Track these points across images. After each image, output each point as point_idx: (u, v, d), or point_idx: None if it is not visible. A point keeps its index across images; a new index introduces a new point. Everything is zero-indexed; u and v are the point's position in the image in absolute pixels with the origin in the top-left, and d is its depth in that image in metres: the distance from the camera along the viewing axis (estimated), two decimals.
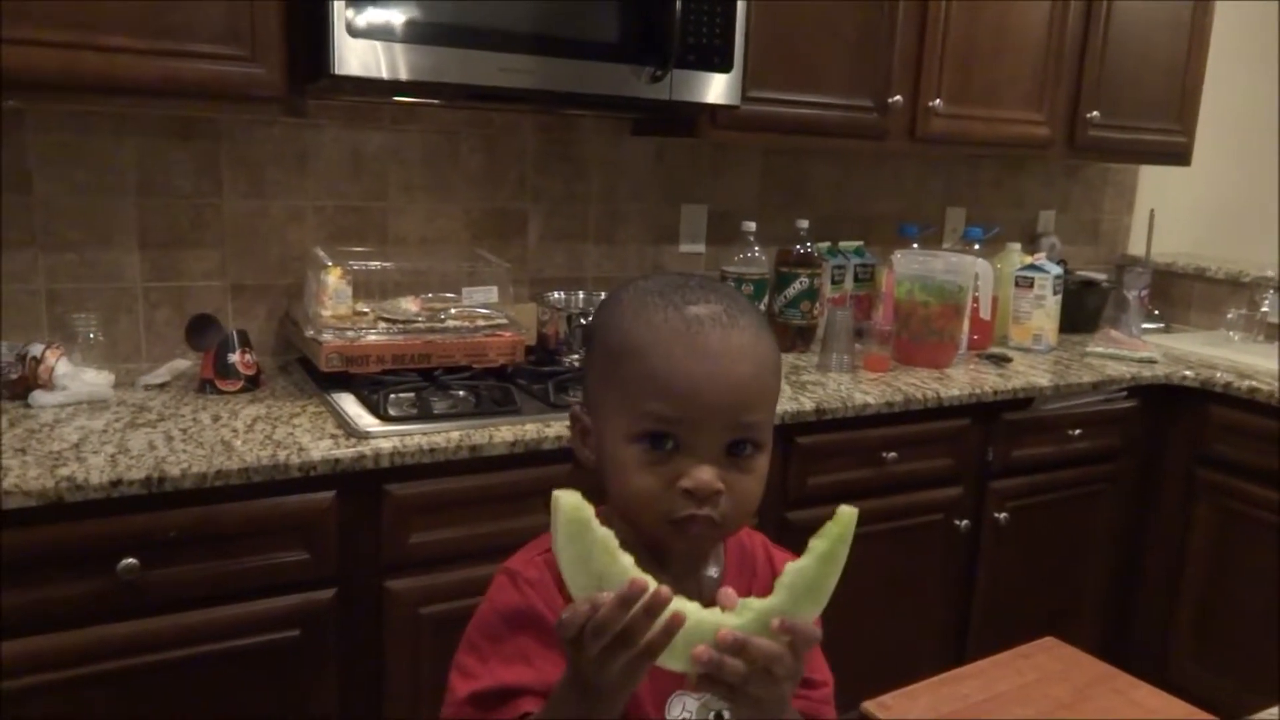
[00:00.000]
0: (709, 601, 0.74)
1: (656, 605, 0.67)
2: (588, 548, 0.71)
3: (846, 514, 0.74)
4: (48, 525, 1.34)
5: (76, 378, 1.68)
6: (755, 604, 0.73)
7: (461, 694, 0.83)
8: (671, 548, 0.84)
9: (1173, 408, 2.50)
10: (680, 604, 0.71)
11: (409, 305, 1.95)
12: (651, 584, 0.69)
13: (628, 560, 0.71)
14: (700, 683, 0.72)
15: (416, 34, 1.64)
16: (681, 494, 0.80)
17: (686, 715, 0.87)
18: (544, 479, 1.66)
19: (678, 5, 1.81)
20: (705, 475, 0.79)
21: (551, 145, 2.27)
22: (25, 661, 1.35)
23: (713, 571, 0.90)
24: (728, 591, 0.75)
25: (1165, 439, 2.54)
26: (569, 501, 0.71)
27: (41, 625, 1.36)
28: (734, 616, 0.72)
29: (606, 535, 0.71)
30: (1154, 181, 3.27)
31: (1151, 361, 2.52)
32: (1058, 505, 2.40)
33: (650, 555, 0.84)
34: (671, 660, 0.70)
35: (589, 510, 0.72)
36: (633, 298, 0.86)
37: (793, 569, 0.74)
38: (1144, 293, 2.91)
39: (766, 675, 0.71)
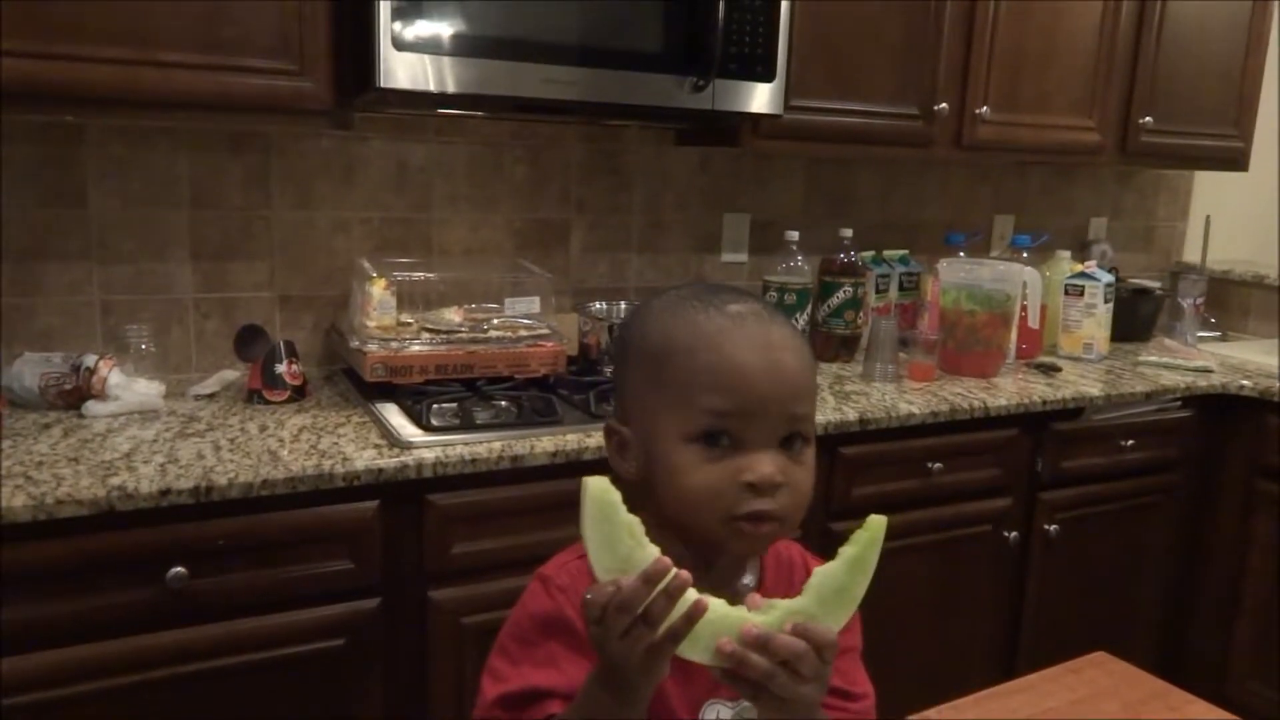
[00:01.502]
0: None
1: (676, 588, 0.68)
2: (615, 530, 0.72)
3: (876, 522, 0.75)
4: (99, 534, 1.36)
5: (129, 388, 1.71)
6: (781, 604, 0.74)
7: (491, 696, 0.84)
8: (729, 549, 0.84)
9: (1230, 418, 2.44)
10: (705, 598, 0.71)
11: (452, 316, 1.97)
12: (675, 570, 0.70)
13: (654, 548, 0.72)
14: (723, 678, 0.72)
15: (461, 47, 1.65)
16: (744, 488, 0.80)
17: None
18: None
19: (720, 15, 1.81)
20: (768, 467, 0.80)
21: (595, 156, 2.28)
22: (75, 669, 1.37)
23: (748, 580, 0.90)
24: (754, 596, 0.75)
25: (1223, 450, 2.47)
26: (597, 485, 0.72)
27: (92, 633, 1.38)
28: (759, 614, 0.73)
29: (633, 520, 0.72)
30: (1209, 187, 3.19)
31: (1207, 371, 2.46)
32: (1110, 517, 2.35)
33: (693, 562, 0.84)
34: (695, 651, 0.71)
35: (617, 494, 0.72)
36: (666, 304, 0.88)
37: (820, 572, 0.75)
38: (1199, 300, 2.84)
39: (791, 674, 0.71)
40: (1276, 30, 2.81)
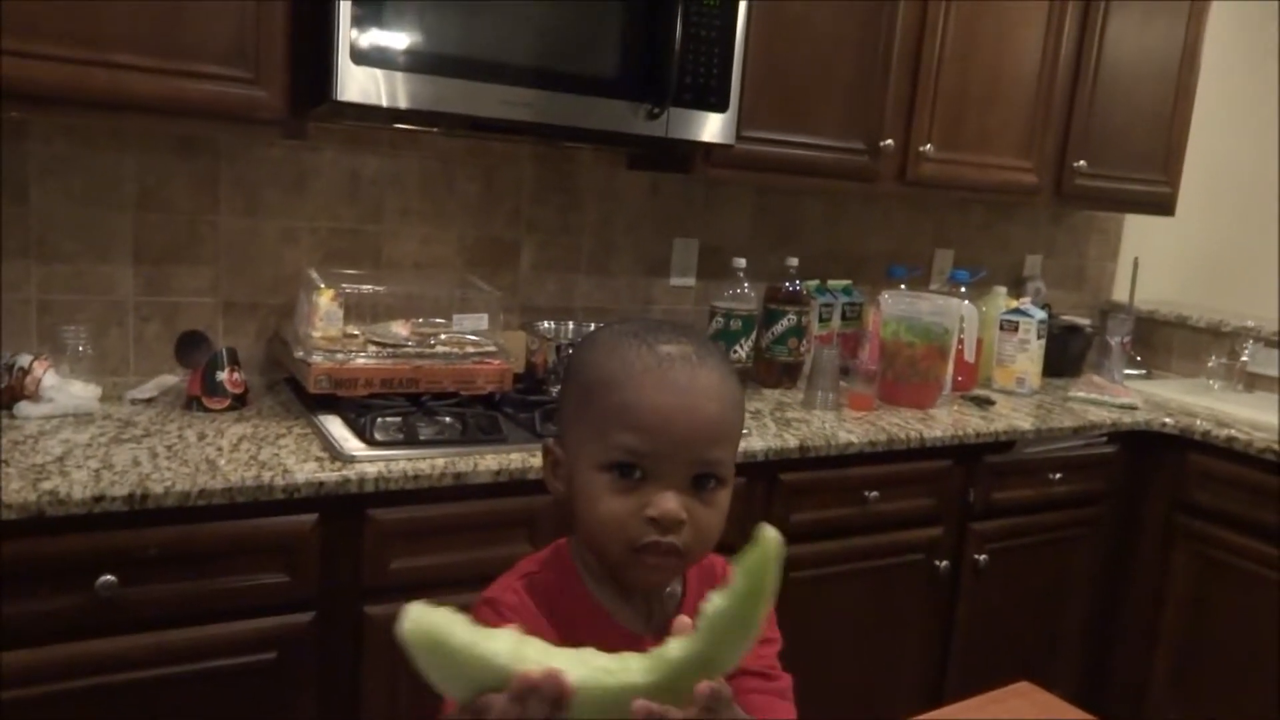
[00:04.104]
0: (670, 620, 0.73)
1: (542, 692, 0.66)
2: (450, 659, 0.67)
3: (767, 539, 0.68)
4: (27, 538, 1.33)
5: (63, 390, 1.68)
6: (673, 655, 0.69)
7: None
8: (632, 579, 0.87)
9: (1153, 454, 2.52)
10: (588, 663, 0.68)
11: (399, 329, 1.96)
12: (532, 665, 0.66)
13: (499, 645, 0.67)
14: None
15: (419, 64, 1.66)
16: (647, 521, 0.83)
17: None
18: (528, 508, 1.67)
19: (677, 44, 1.84)
20: (670, 504, 0.83)
21: (548, 176, 2.29)
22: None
23: (675, 589, 0.93)
24: (684, 620, 0.74)
25: (1145, 485, 2.56)
26: (412, 630, 0.66)
27: (15, 640, 1.35)
28: (645, 674, 0.68)
29: (466, 641, 0.67)
30: (1138, 229, 3.31)
31: (1132, 408, 2.55)
32: (1038, 548, 2.42)
33: (616, 583, 0.89)
34: None
35: (433, 619, 0.66)
36: (608, 336, 0.91)
37: (712, 611, 0.69)
38: (1126, 339, 2.94)
39: None
40: (1212, 85, 2.93)
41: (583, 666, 0.68)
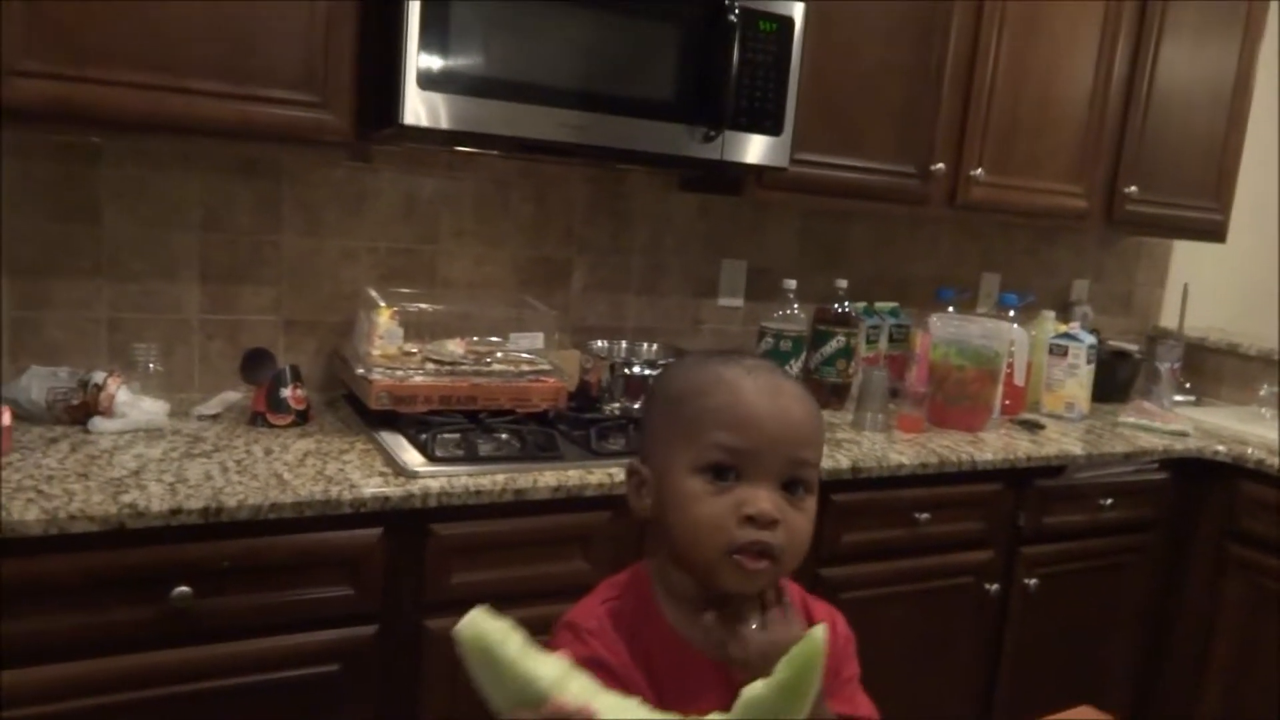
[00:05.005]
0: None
1: None
2: (496, 669, 0.69)
3: (815, 639, 0.70)
4: (106, 550, 1.37)
5: (135, 405, 1.72)
6: None
7: None
8: (724, 584, 0.87)
9: (1204, 482, 2.50)
10: (631, 712, 0.69)
11: (455, 347, 1.99)
12: (572, 697, 0.67)
13: (545, 670, 0.69)
14: None
15: (482, 88, 1.70)
16: (743, 521, 0.84)
17: None
18: (585, 525, 1.69)
19: (733, 68, 1.87)
20: (766, 503, 0.85)
21: (599, 197, 2.32)
22: (74, 684, 1.37)
23: (755, 626, 0.92)
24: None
25: (1196, 513, 2.53)
26: (467, 630, 0.69)
27: (93, 649, 1.38)
28: None
29: (514, 656, 0.69)
30: (1186, 255, 3.29)
31: (1183, 435, 2.53)
32: (1087, 574, 2.40)
33: (706, 603, 0.88)
34: None
35: (489, 627, 0.70)
36: (693, 359, 0.97)
37: (750, 696, 0.70)
38: (1176, 365, 2.92)
39: None
40: (1266, 111, 2.92)
41: (622, 713, 0.69)
